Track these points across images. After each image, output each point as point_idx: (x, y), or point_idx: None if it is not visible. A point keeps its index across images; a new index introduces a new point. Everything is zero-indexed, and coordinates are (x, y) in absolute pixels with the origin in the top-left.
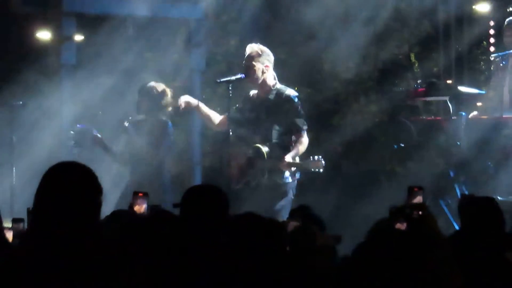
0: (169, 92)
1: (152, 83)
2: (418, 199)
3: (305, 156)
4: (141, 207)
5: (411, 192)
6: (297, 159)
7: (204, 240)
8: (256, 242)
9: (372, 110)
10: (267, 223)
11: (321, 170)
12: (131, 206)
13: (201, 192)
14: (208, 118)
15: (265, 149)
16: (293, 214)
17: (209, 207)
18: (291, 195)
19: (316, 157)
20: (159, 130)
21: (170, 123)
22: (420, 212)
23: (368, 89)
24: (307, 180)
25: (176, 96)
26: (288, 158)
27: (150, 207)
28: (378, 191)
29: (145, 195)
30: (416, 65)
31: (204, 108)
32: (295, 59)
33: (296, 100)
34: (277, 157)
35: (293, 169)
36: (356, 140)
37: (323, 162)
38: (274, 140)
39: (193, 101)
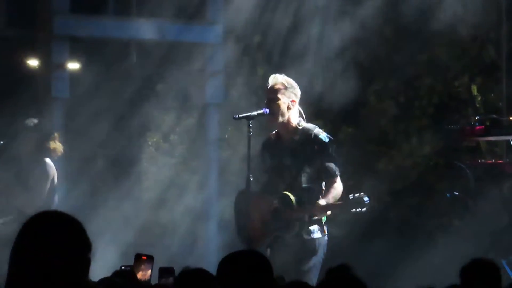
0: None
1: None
2: None
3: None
4: (145, 274)
5: None
6: None
7: None
8: None
9: (425, 152)
10: None
11: (364, 209)
12: (132, 270)
13: (240, 260)
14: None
15: (293, 196)
16: (330, 274)
17: (251, 278)
18: (321, 253)
19: (356, 194)
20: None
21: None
22: None
23: (422, 128)
24: (348, 233)
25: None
26: (323, 201)
27: (161, 270)
28: (431, 248)
29: (150, 258)
30: (479, 99)
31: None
32: (334, 92)
33: (327, 140)
34: (309, 203)
35: (329, 212)
36: (406, 188)
37: (366, 198)
38: (303, 186)
39: None
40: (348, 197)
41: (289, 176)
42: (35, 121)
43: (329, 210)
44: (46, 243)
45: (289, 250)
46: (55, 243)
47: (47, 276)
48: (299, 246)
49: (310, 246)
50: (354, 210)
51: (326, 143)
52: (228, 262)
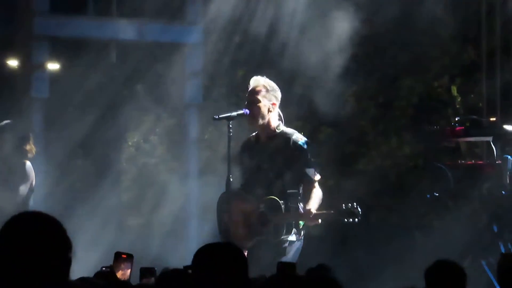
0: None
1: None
2: None
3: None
4: (125, 273)
5: None
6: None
7: None
8: None
9: (405, 153)
10: None
11: (357, 219)
12: (112, 270)
13: (215, 251)
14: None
15: (280, 201)
16: (308, 274)
17: (226, 269)
18: (293, 256)
19: (349, 205)
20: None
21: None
22: None
23: (401, 128)
24: (327, 234)
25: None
26: (313, 209)
27: (142, 270)
28: (410, 249)
29: (129, 257)
30: (459, 99)
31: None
32: (313, 93)
33: (305, 146)
34: (293, 209)
35: (319, 221)
36: (386, 189)
37: (359, 209)
38: (288, 191)
39: None
40: (342, 207)
41: (266, 179)
42: (10, 122)
43: (320, 218)
44: (26, 243)
45: (262, 250)
46: (35, 243)
47: (27, 277)
48: (270, 246)
49: (280, 247)
50: (346, 220)
51: (304, 149)
52: (203, 253)
